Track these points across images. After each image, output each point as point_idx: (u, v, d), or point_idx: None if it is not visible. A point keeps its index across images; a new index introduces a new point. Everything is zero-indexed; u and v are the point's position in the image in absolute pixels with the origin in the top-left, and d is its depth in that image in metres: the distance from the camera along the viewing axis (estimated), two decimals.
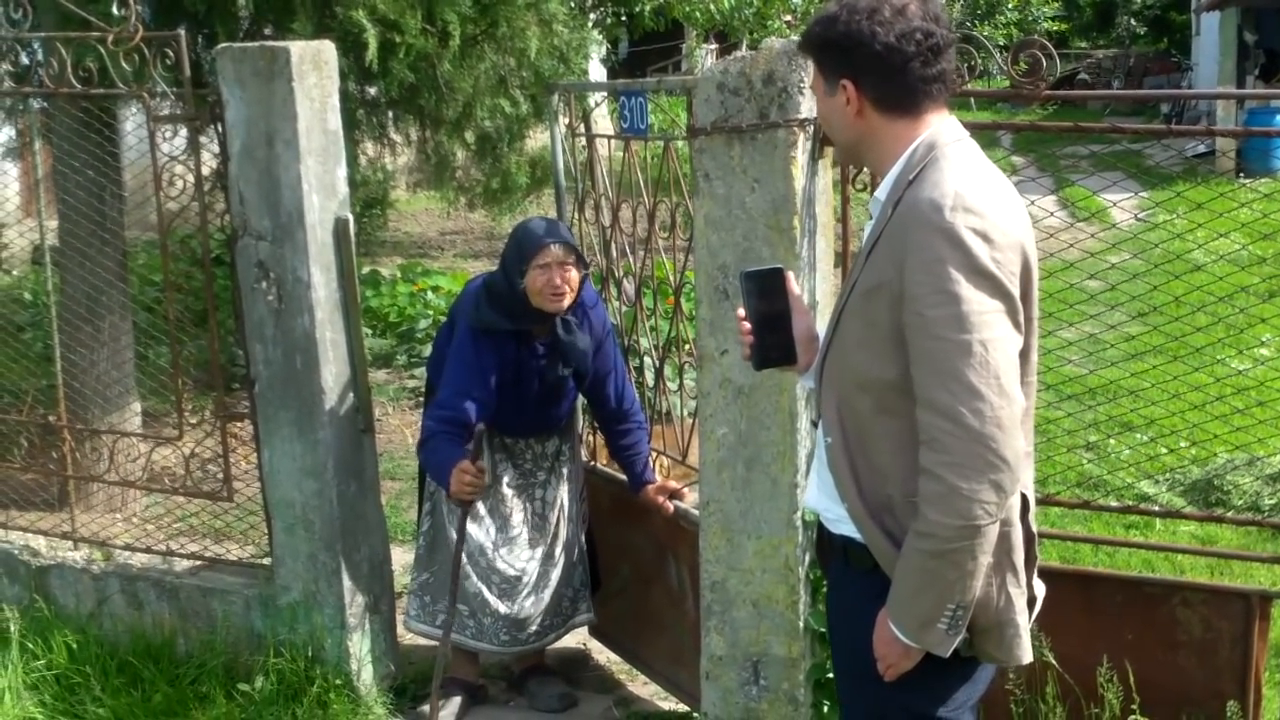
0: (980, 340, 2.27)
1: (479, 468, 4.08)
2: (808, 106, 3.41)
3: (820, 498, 2.66)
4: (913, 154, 2.45)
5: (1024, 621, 2.51)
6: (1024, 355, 2.42)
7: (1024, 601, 2.50)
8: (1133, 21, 36.77)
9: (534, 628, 4.45)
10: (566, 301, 4.20)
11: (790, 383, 3.51)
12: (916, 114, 2.47)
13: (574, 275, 4.18)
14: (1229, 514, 5.80)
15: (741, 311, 2.69)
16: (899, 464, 2.43)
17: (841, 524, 2.58)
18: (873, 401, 2.46)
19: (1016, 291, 2.34)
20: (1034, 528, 2.53)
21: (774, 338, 2.67)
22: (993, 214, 2.33)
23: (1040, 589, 2.59)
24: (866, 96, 2.46)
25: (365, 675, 4.53)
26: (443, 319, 5.48)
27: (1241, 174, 16.96)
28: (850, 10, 2.43)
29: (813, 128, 3.44)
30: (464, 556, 4.38)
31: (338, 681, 4.43)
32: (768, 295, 2.66)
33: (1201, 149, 18.59)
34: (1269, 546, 5.62)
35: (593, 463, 4.83)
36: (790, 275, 2.68)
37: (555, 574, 4.49)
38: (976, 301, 2.27)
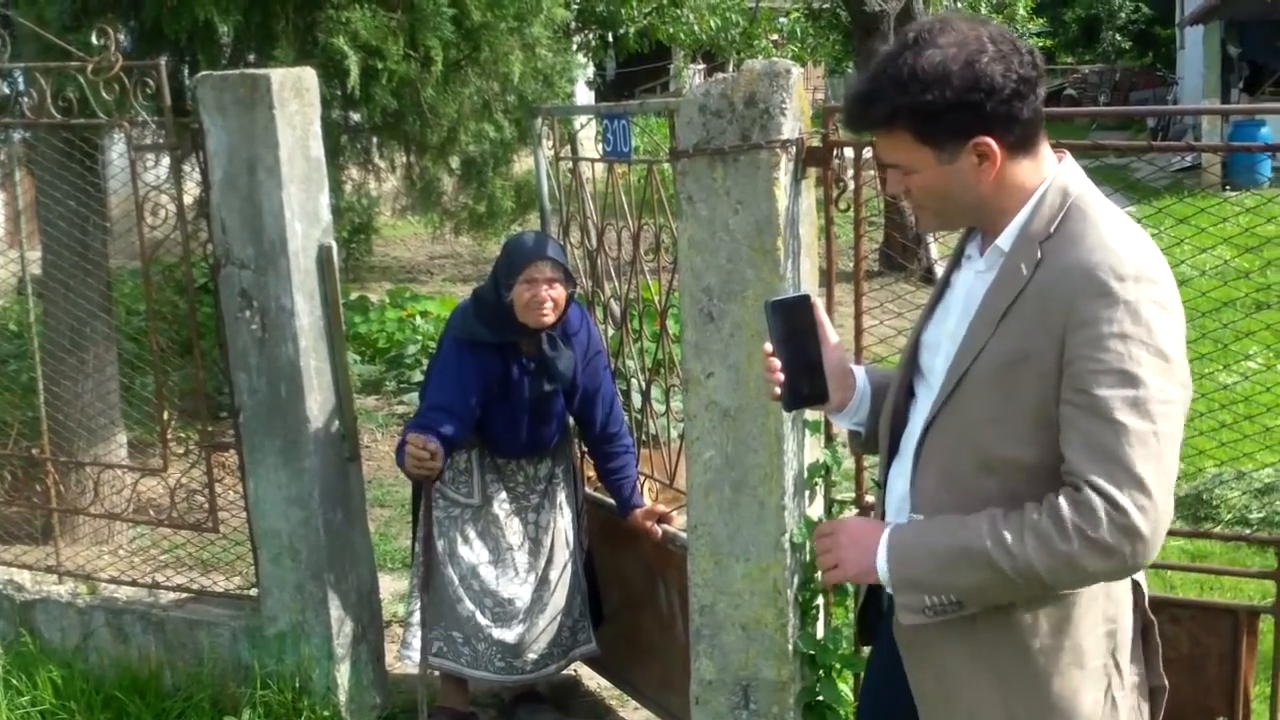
0: (1157, 433, 2.01)
1: (427, 439, 4.07)
2: (789, 127, 3.40)
3: None
4: (1040, 200, 2.16)
5: None
6: None
7: (1130, 704, 2.28)
8: (1118, 36, 36.90)
9: (532, 656, 4.39)
10: (550, 317, 4.18)
11: (776, 406, 3.47)
12: (1039, 149, 2.19)
13: (560, 292, 4.17)
14: (1218, 529, 5.80)
15: (769, 346, 2.42)
16: None
17: None
18: (998, 485, 2.15)
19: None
20: (1151, 615, 2.31)
21: (804, 373, 2.42)
22: (1168, 283, 2.07)
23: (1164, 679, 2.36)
24: (1005, 147, 2.14)
25: (353, 706, 4.50)
26: (431, 344, 5.47)
27: (1227, 187, 17.02)
28: (964, 61, 2.08)
29: (795, 148, 3.44)
30: (456, 579, 4.34)
31: (325, 713, 4.40)
32: (795, 326, 2.41)
33: (1187, 163, 18.67)
34: (1257, 561, 5.61)
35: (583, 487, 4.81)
36: (818, 304, 2.45)
37: (552, 601, 4.43)
38: (1159, 388, 2.01)
